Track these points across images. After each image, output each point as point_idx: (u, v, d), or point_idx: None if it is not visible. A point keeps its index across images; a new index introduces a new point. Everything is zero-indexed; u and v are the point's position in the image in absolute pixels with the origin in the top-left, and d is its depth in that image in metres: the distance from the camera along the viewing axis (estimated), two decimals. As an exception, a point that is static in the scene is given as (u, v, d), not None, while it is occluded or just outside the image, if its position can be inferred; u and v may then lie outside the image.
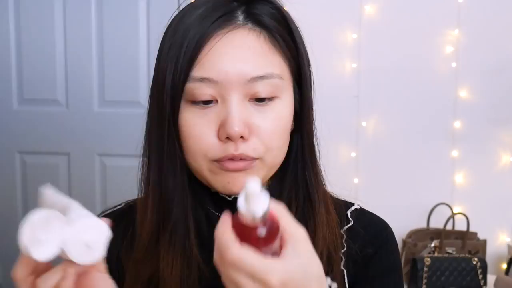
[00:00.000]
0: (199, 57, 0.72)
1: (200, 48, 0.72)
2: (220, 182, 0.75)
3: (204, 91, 0.72)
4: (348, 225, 0.83)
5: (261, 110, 0.74)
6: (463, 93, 2.15)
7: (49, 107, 2.47)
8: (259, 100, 0.73)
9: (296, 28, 0.78)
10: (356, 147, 2.21)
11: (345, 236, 0.82)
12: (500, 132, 2.16)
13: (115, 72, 2.42)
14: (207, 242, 0.80)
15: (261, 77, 0.72)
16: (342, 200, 0.87)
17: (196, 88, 0.72)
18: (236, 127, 0.71)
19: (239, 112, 0.72)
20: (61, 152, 2.49)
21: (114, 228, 0.83)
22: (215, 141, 0.73)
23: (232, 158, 0.73)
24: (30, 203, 2.54)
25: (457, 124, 2.17)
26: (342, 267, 0.80)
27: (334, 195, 0.87)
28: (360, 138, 2.21)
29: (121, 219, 0.83)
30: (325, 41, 2.17)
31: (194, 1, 0.76)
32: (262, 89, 0.73)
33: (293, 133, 0.80)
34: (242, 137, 0.72)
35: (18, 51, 2.47)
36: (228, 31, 0.73)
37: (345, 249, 0.81)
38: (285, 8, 0.79)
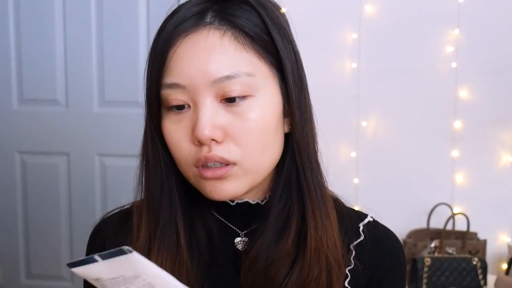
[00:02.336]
0: (166, 63, 0.72)
1: (166, 53, 0.72)
2: (204, 189, 0.74)
3: (175, 97, 0.72)
4: (358, 240, 0.80)
5: (234, 111, 0.71)
6: (463, 93, 2.15)
7: (49, 107, 2.47)
8: (230, 100, 0.71)
9: (273, 23, 0.74)
10: (356, 147, 2.21)
11: (354, 253, 0.79)
12: (500, 132, 2.16)
13: (115, 72, 2.42)
14: (203, 249, 0.78)
15: (227, 77, 0.70)
16: (354, 210, 0.84)
17: (169, 95, 0.72)
18: (206, 131, 0.69)
19: (209, 115, 0.70)
20: (61, 152, 2.50)
21: (120, 229, 0.83)
22: (191, 147, 0.72)
23: (206, 162, 0.71)
24: (30, 203, 2.54)
25: (457, 124, 2.17)
26: (347, 285, 0.78)
27: (345, 202, 0.83)
28: (360, 138, 2.21)
29: (125, 221, 0.82)
30: (325, 41, 2.17)
31: (176, 8, 0.76)
32: (231, 89, 0.70)
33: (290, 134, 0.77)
34: (215, 140, 0.71)
35: (18, 51, 2.47)
36: (189, 33, 0.71)
37: (352, 266, 0.78)
38: (282, 8, 0.78)
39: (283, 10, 0.79)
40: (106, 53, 2.41)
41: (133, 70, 2.38)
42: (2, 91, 2.49)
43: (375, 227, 0.82)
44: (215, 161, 0.71)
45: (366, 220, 0.82)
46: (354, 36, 2.17)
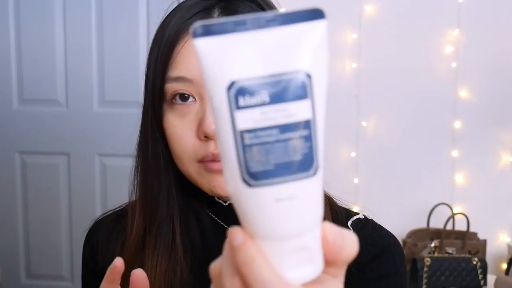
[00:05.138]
0: (173, 57, 0.72)
1: (173, 47, 0.72)
2: (207, 184, 0.73)
3: (181, 89, 0.72)
4: None
5: None
6: (463, 93, 2.15)
7: (49, 107, 2.47)
8: None
9: None
10: (356, 147, 2.21)
11: None
12: (500, 132, 2.16)
13: (115, 72, 2.42)
14: (197, 248, 0.78)
15: None
16: (343, 208, 0.84)
17: (173, 89, 0.72)
18: (213, 125, 0.69)
19: None
20: (61, 152, 2.50)
21: (114, 228, 0.83)
22: (196, 142, 0.72)
23: (213, 159, 0.71)
24: (30, 203, 2.54)
25: (457, 124, 2.17)
26: None
27: (338, 201, 0.83)
28: (360, 138, 2.21)
29: (119, 220, 0.82)
30: (325, 41, 2.17)
31: (180, 3, 0.76)
32: None
33: None
34: None
35: (18, 51, 2.47)
36: None
37: None
38: (281, 7, 0.79)
39: (282, 10, 0.79)
40: (106, 53, 2.41)
41: (133, 70, 2.38)
42: (2, 91, 2.49)
43: (364, 224, 0.82)
44: None
45: (355, 217, 0.82)
46: (354, 36, 2.17)
